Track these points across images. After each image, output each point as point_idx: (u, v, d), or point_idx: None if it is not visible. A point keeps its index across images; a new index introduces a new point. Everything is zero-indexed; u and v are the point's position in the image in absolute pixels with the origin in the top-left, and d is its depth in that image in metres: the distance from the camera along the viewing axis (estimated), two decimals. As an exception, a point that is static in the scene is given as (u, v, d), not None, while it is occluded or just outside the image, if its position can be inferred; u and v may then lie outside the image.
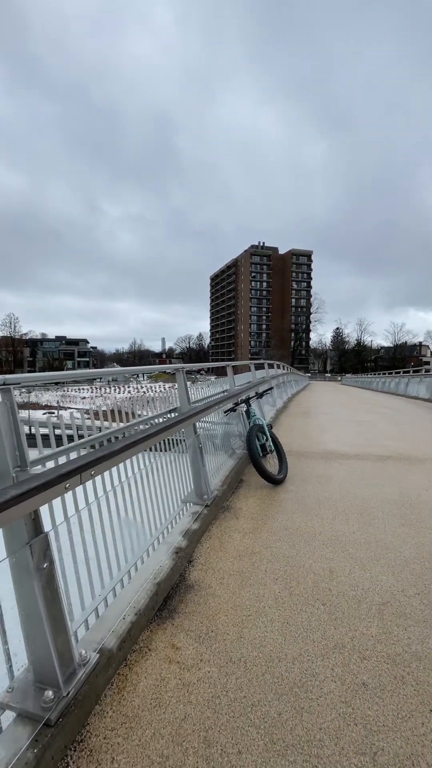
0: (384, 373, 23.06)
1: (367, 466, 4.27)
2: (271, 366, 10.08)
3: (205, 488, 2.98)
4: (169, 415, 2.94)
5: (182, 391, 3.00)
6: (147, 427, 2.35)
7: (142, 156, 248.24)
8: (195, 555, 2.34)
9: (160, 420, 2.86)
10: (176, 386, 3.10)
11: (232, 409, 4.09)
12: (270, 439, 3.89)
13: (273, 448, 3.85)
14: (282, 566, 2.20)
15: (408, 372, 17.21)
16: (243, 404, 4.25)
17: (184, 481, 2.98)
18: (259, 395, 4.18)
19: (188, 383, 3.04)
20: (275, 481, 3.56)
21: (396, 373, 19.14)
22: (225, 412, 4.06)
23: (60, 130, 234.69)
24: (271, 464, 3.85)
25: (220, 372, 19.46)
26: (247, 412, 4.24)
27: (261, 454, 3.79)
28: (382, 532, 2.63)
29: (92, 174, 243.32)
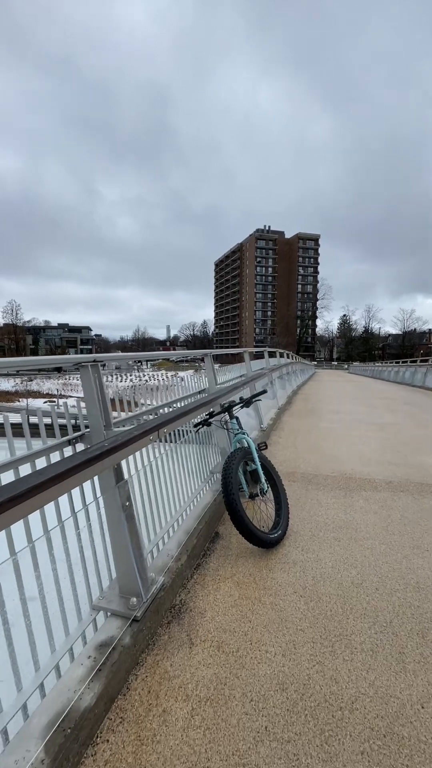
0: (397, 362, 21.40)
1: (408, 506, 2.89)
2: (272, 355, 8.49)
3: (136, 580, 1.62)
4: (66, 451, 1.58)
5: (93, 403, 1.62)
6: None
7: (137, 135, 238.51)
8: None
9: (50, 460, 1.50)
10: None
11: (206, 422, 2.71)
12: (261, 469, 2.49)
13: (266, 486, 2.46)
14: None
15: (426, 360, 15.62)
16: (224, 413, 2.85)
17: (100, 564, 1.64)
18: (246, 402, 2.79)
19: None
20: (267, 544, 2.20)
21: (412, 361, 17.51)
22: (195, 427, 2.68)
23: (52, 108, 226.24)
24: (262, 510, 2.48)
25: (226, 360, 17.97)
26: (229, 424, 2.84)
27: (247, 495, 2.43)
28: None
29: (88, 155, 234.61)
